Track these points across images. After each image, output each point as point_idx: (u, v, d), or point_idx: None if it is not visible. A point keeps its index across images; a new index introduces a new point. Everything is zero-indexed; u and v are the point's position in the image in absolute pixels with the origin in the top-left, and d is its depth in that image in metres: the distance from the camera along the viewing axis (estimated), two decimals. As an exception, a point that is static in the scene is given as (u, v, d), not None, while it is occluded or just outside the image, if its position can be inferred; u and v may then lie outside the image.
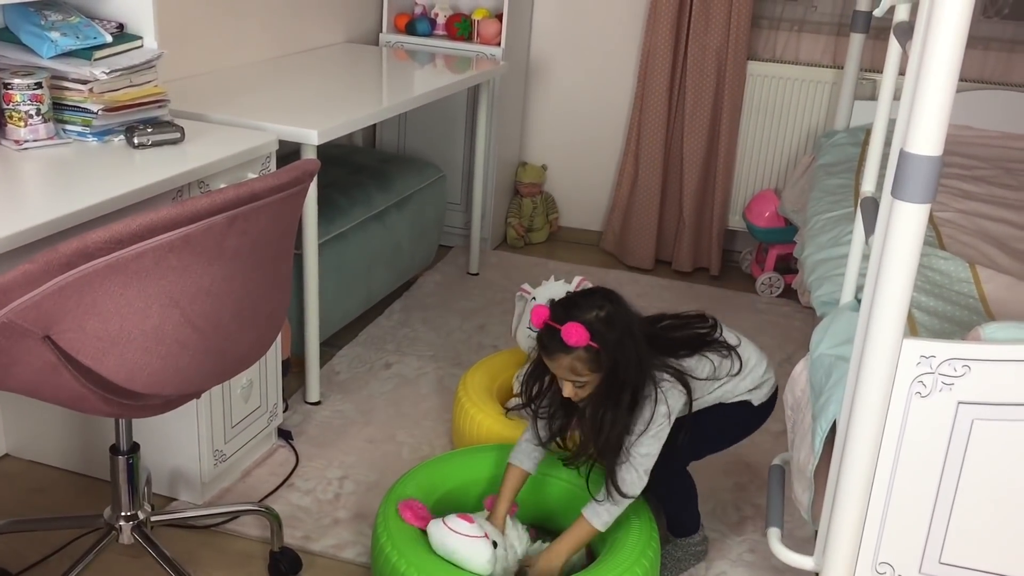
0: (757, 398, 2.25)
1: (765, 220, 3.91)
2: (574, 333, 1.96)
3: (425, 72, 3.71)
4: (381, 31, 4.12)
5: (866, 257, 2.19)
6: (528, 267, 4.13)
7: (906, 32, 1.77)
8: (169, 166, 2.13)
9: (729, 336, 2.24)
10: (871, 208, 1.97)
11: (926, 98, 1.51)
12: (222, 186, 2.18)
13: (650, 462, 2.06)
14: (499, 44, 4.00)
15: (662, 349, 2.12)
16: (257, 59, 3.39)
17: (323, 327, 3.05)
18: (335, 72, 3.43)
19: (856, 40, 3.69)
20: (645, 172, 4.12)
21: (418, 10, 4.21)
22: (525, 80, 4.33)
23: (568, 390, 2.06)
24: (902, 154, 1.56)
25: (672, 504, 2.32)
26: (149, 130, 2.25)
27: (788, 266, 4.01)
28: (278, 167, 2.50)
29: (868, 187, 2.08)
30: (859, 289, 2.17)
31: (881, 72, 3.89)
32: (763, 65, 4.03)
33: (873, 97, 3.90)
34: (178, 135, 2.28)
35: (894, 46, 2.00)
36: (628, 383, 2.02)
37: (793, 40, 4.04)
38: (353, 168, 3.49)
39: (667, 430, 2.07)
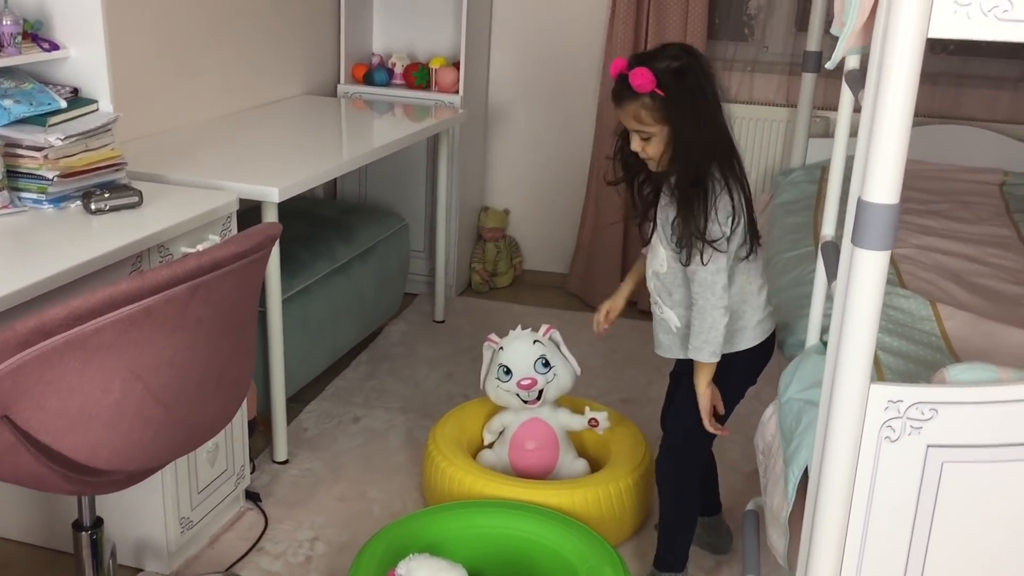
0: (757, 335, 2.19)
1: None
2: (640, 76, 1.93)
3: (384, 122, 3.71)
4: (339, 82, 4.13)
5: (830, 298, 2.21)
6: (494, 312, 4.12)
7: (857, 80, 1.80)
8: (128, 232, 2.11)
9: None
10: (832, 252, 1.99)
11: (880, 148, 1.54)
12: (183, 250, 2.17)
13: (714, 278, 2.02)
14: (457, 92, 4.02)
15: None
16: (215, 115, 3.37)
17: (289, 383, 3.02)
18: (294, 125, 3.43)
19: (808, 80, 3.75)
20: (608, 213, 4.15)
21: (375, 60, 4.22)
22: (485, 125, 4.35)
23: (635, 143, 2.01)
24: (860, 203, 1.58)
25: (667, 519, 2.28)
26: (106, 195, 2.22)
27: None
28: (239, 226, 2.49)
29: (828, 230, 2.10)
30: (824, 331, 2.18)
31: (834, 110, 3.98)
32: (719, 105, 4.08)
33: (827, 134, 3.97)
34: (136, 199, 2.26)
35: (846, 92, 2.03)
36: (693, 147, 1.96)
37: (747, 80, 4.10)
38: (315, 221, 3.47)
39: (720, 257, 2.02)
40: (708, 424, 2.19)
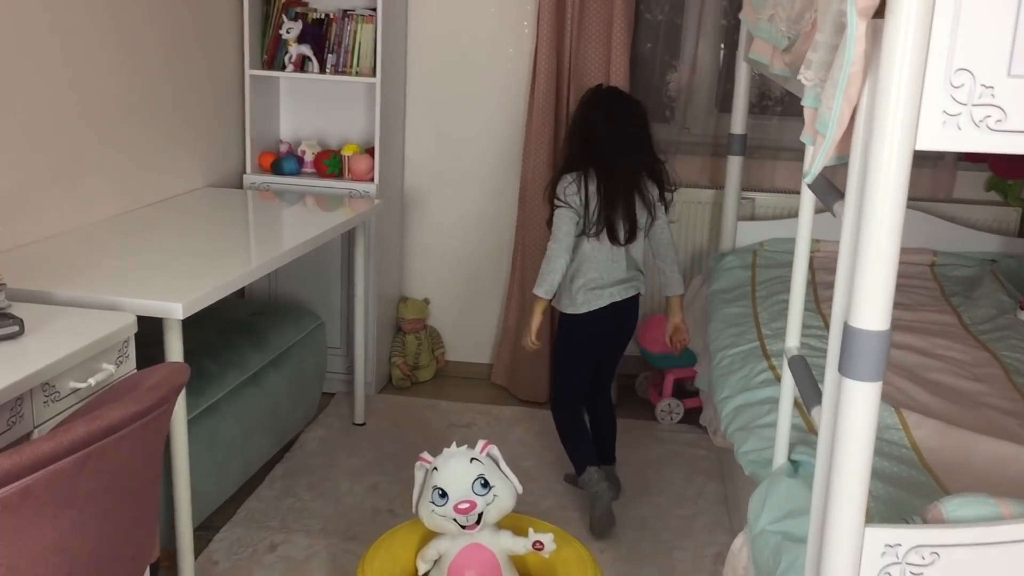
0: (570, 308, 3.04)
1: (660, 346, 3.80)
2: None
3: (296, 215, 3.48)
4: (245, 172, 3.89)
5: (797, 428, 2.05)
6: (417, 410, 3.88)
7: (826, 189, 1.67)
8: (6, 370, 1.82)
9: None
10: (802, 367, 1.84)
11: (869, 269, 1.39)
12: (72, 385, 1.90)
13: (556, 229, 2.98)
14: (372, 179, 3.82)
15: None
16: (108, 215, 3.09)
17: (196, 510, 2.71)
18: (197, 224, 3.16)
19: (734, 163, 3.68)
20: (530, 299, 3.96)
21: (284, 148, 4.00)
22: (401, 213, 4.16)
23: None
24: (848, 329, 1.43)
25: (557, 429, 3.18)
26: (-20, 326, 1.93)
27: (685, 389, 3.90)
28: (138, 347, 2.22)
29: (792, 342, 1.96)
30: (791, 447, 2.03)
31: (758, 190, 3.93)
32: (643, 188, 3.97)
33: (754, 217, 3.90)
34: (15, 328, 1.97)
35: (807, 196, 1.90)
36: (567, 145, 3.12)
37: (670, 162, 4.00)
38: (222, 326, 3.20)
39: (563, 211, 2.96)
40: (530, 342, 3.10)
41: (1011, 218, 3.85)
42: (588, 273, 2.98)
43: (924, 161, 3.86)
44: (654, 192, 3.01)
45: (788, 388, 1.95)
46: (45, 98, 2.74)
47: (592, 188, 2.92)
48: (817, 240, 3.50)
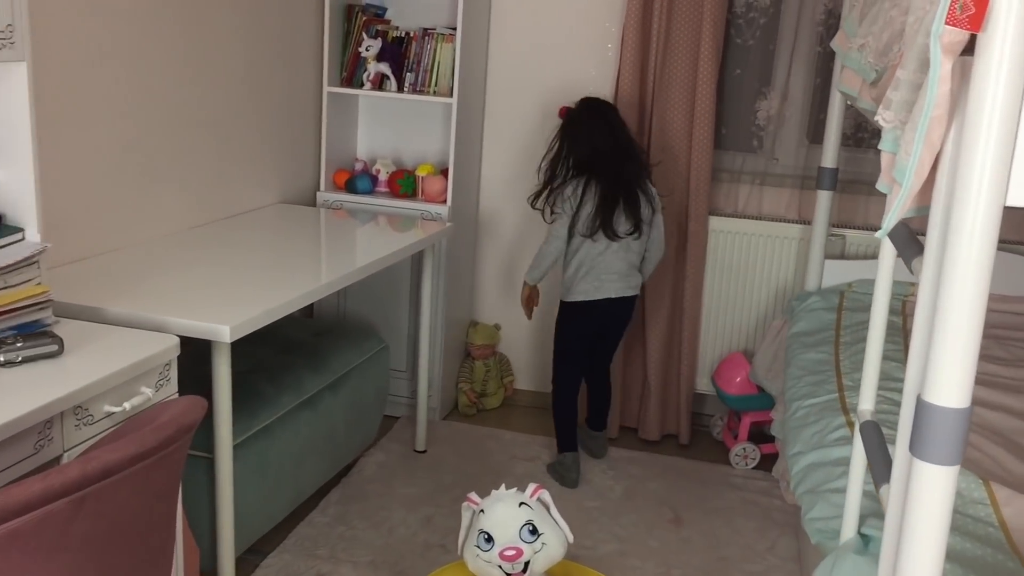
0: (566, 296, 3.42)
1: (736, 387, 3.62)
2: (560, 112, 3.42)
3: (366, 235, 3.43)
4: (319, 189, 3.86)
5: (870, 496, 1.87)
6: (480, 440, 3.78)
7: (907, 241, 1.50)
8: (40, 390, 1.79)
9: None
10: (873, 435, 1.66)
11: (948, 340, 1.22)
12: (106, 409, 1.85)
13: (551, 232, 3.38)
14: (445, 201, 3.74)
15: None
16: (176, 229, 3.08)
17: (243, 535, 2.67)
18: (264, 240, 3.13)
19: (823, 197, 3.48)
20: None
21: (359, 166, 3.96)
22: (475, 236, 4.07)
23: None
24: (920, 404, 1.26)
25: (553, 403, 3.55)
26: (19, 344, 1.90)
27: (763, 433, 3.70)
28: (182, 367, 2.17)
29: (866, 405, 1.78)
30: (863, 519, 1.85)
31: (851, 227, 3.71)
32: (725, 220, 3.81)
33: (844, 255, 3.68)
34: (55, 348, 1.94)
35: (887, 247, 1.73)
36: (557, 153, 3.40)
37: (755, 194, 3.84)
38: (283, 346, 3.15)
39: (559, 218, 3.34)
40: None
41: None
42: (584, 268, 3.34)
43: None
44: (652, 189, 3.35)
45: (859, 457, 1.77)
46: (120, 111, 2.74)
47: (591, 193, 3.26)
48: (912, 283, 3.27)
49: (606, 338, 3.55)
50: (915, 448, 1.27)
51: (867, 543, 1.79)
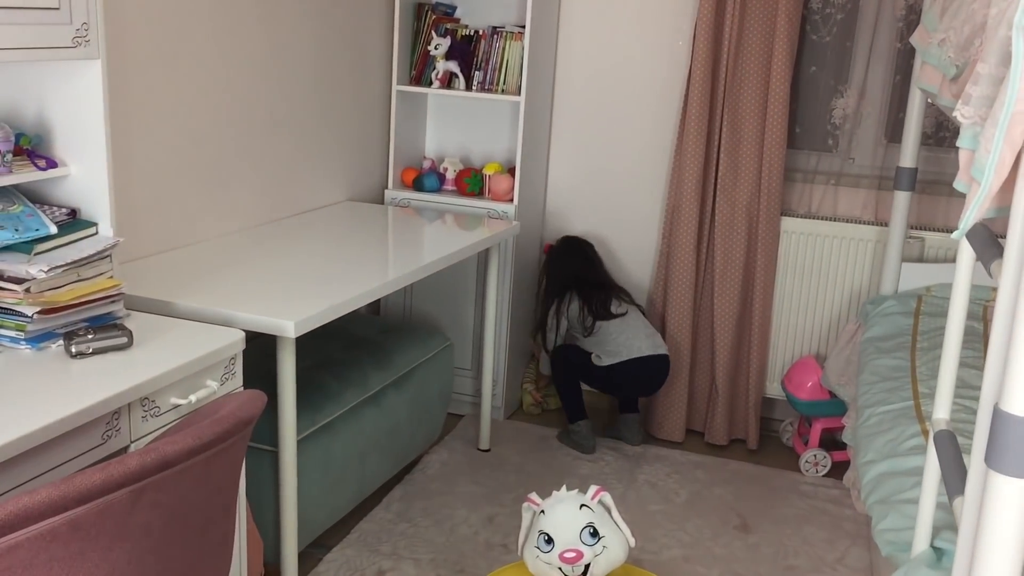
0: (601, 361, 3.62)
1: (807, 392, 3.53)
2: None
3: (433, 233, 3.43)
4: (387, 187, 3.88)
5: (943, 508, 1.80)
6: (544, 440, 3.75)
7: (986, 242, 1.43)
8: (109, 381, 1.82)
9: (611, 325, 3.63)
10: (948, 446, 1.60)
11: (1027, 346, 1.16)
12: (173, 401, 1.89)
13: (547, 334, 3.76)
14: (511, 200, 3.73)
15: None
16: (248, 225, 3.12)
17: (306, 529, 2.69)
18: (334, 238, 3.16)
19: (901, 198, 3.37)
20: (673, 333, 3.78)
21: (427, 164, 3.97)
22: (542, 235, 4.05)
23: None
24: (997, 413, 1.20)
25: (559, 391, 3.77)
26: (90, 336, 1.95)
27: (835, 440, 3.60)
28: (262, 360, 2.20)
29: (941, 414, 1.71)
30: (935, 532, 1.78)
31: (930, 229, 3.59)
32: (798, 221, 3.71)
33: (923, 259, 3.56)
34: (124, 340, 1.97)
35: (965, 250, 1.65)
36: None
37: (830, 194, 3.74)
38: (349, 342, 3.17)
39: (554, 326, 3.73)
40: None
41: None
42: (609, 339, 3.61)
43: None
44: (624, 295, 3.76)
45: (933, 467, 1.70)
46: (190, 110, 2.79)
47: (573, 301, 3.68)
48: (993, 288, 3.15)
49: (625, 394, 3.80)
50: (991, 459, 1.21)
51: (940, 557, 1.72)
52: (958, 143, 1.31)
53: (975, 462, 1.31)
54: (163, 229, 2.77)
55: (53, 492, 1.18)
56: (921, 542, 1.74)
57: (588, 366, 3.65)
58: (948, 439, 1.59)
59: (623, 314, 3.62)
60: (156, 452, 1.26)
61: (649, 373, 3.63)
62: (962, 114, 1.28)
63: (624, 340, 3.58)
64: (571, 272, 3.74)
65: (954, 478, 1.46)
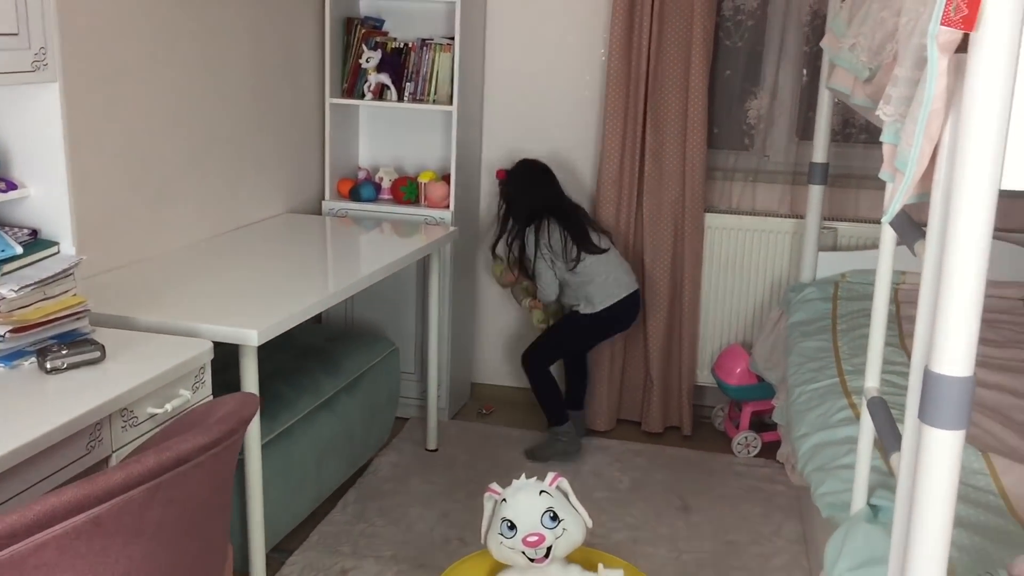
0: (586, 310, 3.58)
1: (736, 377, 3.73)
2: (498, 174, 3.77)
3: (372, 242, 3.52)
4: (324, 198, 3.95)
5: (876, 470, 1.98)
6: (490, 438, 3.87)
7: (908, 228, 1.61)
8: (87, 395, 1.88)
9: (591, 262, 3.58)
10: (881, 410, 1.78)
11: (951, 312, 1.33)
12: (150, 411, 1.94)
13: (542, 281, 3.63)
14: (448, 207, 3.84)
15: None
16: (191, 241, 3.17)
17: (268, 534, 2.75)
18: (276, 250, 3.22)
19: (816, 192, 3.60)
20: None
21: (362, 175, 4.06)
22: (477, 239, 4.17)
23: None
24: (928, 374, 1.37)
25: (540, 397, 3.69)
26: (64, 351, 1.99)
27: (763, 422, 3.82)
28: (215, 373, 2.26)
29: (871, 382, 1.89)
30: (871, 491, 1.96)
31: (841, 220, 3.84)
32: (720, 217, 3.92)
33: (836, 247, 3.80)
34: (97, 354, 2.03)
35: (887, 232, 1.84)
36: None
37: (749, 190, 3.95)
38: (298, 351, 3.24)
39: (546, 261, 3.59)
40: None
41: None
42: (596, 279, 3.57)
43: (1016, 191, 3.71)
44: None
45: (867, 431, 1.89)
46: (134, 128, 2.83)
47: (554, 228, 3.57)
48: (902, 272, 3.40)
49: (608, 337, 3.80)
50: (924, 415, 1.38)
51: (877, 513, 1.90)
52: (882, 138, 1.48)
53: (909, 419, 1.49)
54: (114, 247, 2.80)
55: (77, 492, 1.26)
56: (859, 501, 1.92)
57: (573, 324, 3.65)
58: (880, 404, 1.77)
59: (606, 250, 3.59)
60: (172, 450, 1.34)
61: (635, 307, 3.69)
62: (884, 113, 1.45)
63: (613, 279, 3.58)
64: (539, 198, 3.64)
65: (890, 437, 1.64)
